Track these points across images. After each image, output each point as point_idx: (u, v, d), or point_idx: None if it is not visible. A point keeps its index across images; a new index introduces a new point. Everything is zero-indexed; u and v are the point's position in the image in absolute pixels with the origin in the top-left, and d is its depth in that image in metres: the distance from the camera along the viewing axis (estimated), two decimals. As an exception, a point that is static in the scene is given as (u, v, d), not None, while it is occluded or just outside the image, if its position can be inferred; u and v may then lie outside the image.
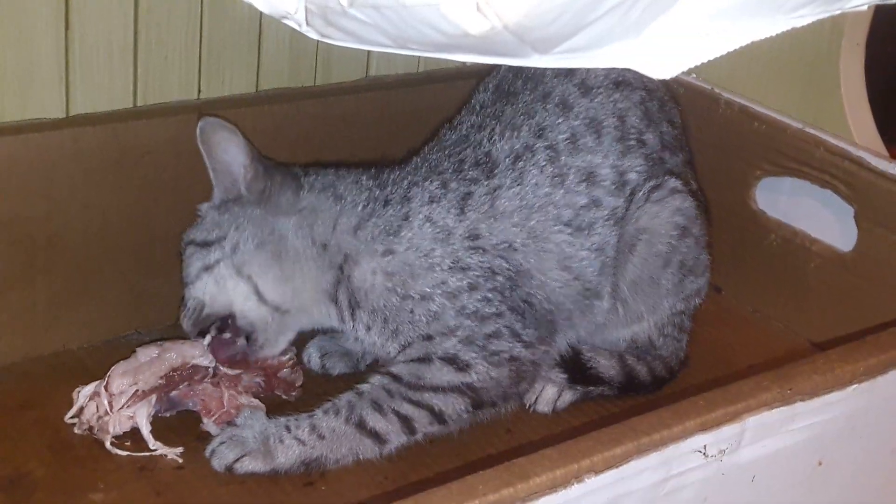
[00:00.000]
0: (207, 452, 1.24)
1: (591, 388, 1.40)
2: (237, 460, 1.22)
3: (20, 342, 1.36)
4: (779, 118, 1.56)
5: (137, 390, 1.27)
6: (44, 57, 1.32)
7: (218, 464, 1.23)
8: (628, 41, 0.69)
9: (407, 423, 1.24)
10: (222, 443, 1.24)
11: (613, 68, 1.35)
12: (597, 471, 0.93)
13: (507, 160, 1.33)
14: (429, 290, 1.27)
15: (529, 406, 1.39)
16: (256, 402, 1.32)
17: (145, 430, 1.26)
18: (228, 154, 1.31)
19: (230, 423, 1.27)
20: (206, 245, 1.32)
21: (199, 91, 1.45)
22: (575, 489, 0.91)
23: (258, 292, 1.31)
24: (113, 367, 1.29)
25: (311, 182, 1.34)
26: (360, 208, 1.32)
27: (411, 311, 1.27)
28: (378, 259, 1.29)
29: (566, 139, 1.34)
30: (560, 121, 1.35)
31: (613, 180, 1.35)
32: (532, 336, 1.29)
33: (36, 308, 1.37)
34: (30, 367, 1.37)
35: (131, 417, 1.27)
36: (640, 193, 1.35)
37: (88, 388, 1.28)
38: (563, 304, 1.34)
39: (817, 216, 1.57)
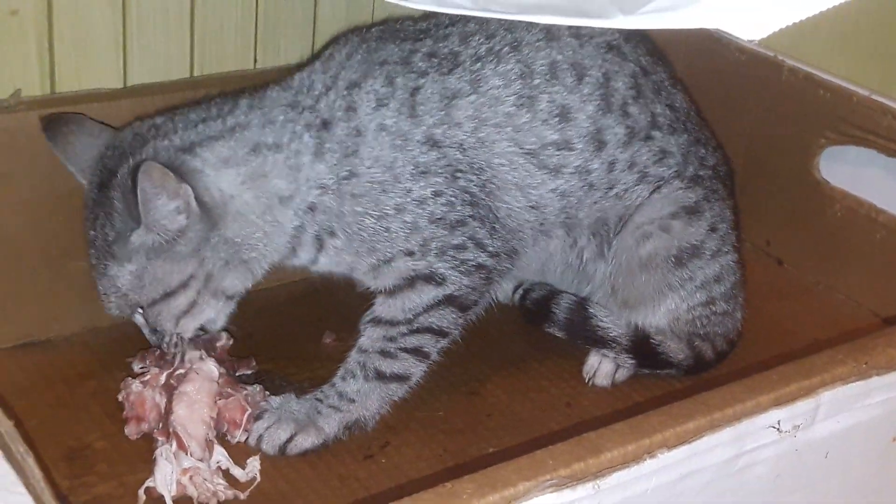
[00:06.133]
0: (253, 440, 1.23)
1: (659, 371, 1.38)
2: (290, 440, 1.22)
3: (80, 313, 1.37)
4: (844, 85, 1.52)
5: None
6: (101, 27, 1.31)
7: (270, 447, 1.22)
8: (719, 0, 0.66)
9: (418, 352, 1.26)
10: (270, 426, 1.23)
11: (608, 33, 1.30)
12: (669, 446, 0.91)
13: (468, 62, 1.26)
14: (399, 199, 1.23)
15: (589, 380, 1.39)
16: (258, 386, 1.28)
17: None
18: (174, 202, 1.16)
19: (258, 416, 1.24)
20: (171, 294, 1.22)
21: (255, 60, 1.45)
22: (647, 464, 0.90)
23: (227, 296, 1.25)
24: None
25: (214, 162, 1.20)
26: (305, 139, 1.22)
27: (387, 230, 1.24)
28: (343, 184, 1.23)
29: (545, 65, 1.27)
30: (542, 45, 1.28)
31: (590, 132, 1.28)
32: (497, 247, 1.28)
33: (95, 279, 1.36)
34: (89, 337, 1.37)
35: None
36: (624, 187, 1.31)
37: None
38: (522, 228, 1.31)
39: (883, 186, 1.53)
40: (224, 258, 1.22)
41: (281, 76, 1.40)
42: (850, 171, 1.57)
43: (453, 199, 1.24)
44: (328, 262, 1.28)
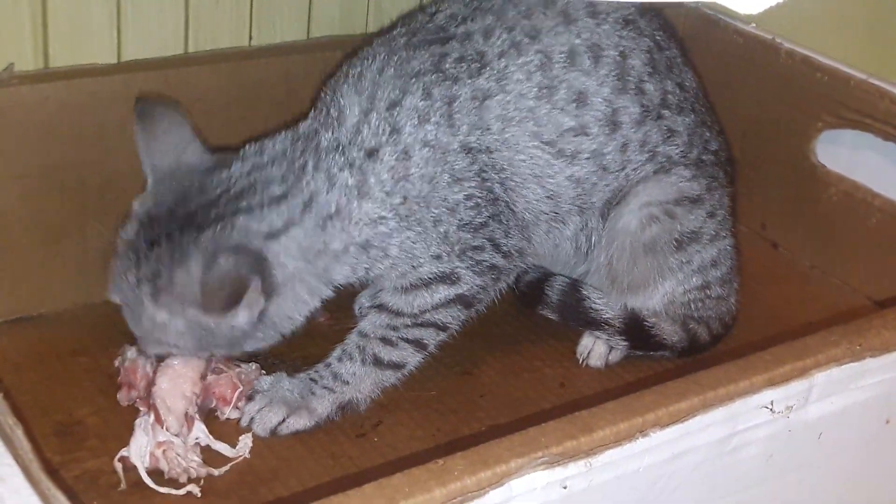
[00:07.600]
0: (245, 421, 1.23)
1: (653, 353, 1.38)
2: (282, 422, 1.22)
3: (73, 289, 1.36)
4: (842, 69, 1.52)
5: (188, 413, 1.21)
6: (95, 2, 1.30)
7: (261, 429, 1.22)
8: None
9: (417, 343, 1.27)
10: (262, 407, 1.23)
11: (624, 8, 1.29)
12: (661, 425, 0.91)
13: (494, 60, 1.24)
14: (436, 211, 1.23)
15: (582, 361, 1.39)
16: (253, 364, 1.27)
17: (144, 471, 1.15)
18: (248, 311, 1.16)
19: (250, 396, 1.24)
20: (188, 350, 1.20)
21: (251, 38, 1.43)
22: (639, 443, 0.90)
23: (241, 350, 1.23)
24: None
25: (294, 250, 1.18)
26: (349, 183, 1.19)
27: (425, 241, 1.23)
28: (399, 209, 1.21)
29: (564, 52, 1.26)
30: (561, 29, 1.27)
31: (605, 114, 1.27)
32: (511, 246, 1.28)
33: (88, 254, 1.36)
34: (82, 313, 1.36)
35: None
36: (634, 167, 1.31)
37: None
38: (537, 220, 1.31)
39: (880, 170, 1.53)
40: (259, 334, 1.20)
41: (277, 53, 1.41)
42: (846, 154, 1.57)
43: (480, 200, 1.24)
44: (360, 278, 1.26)
